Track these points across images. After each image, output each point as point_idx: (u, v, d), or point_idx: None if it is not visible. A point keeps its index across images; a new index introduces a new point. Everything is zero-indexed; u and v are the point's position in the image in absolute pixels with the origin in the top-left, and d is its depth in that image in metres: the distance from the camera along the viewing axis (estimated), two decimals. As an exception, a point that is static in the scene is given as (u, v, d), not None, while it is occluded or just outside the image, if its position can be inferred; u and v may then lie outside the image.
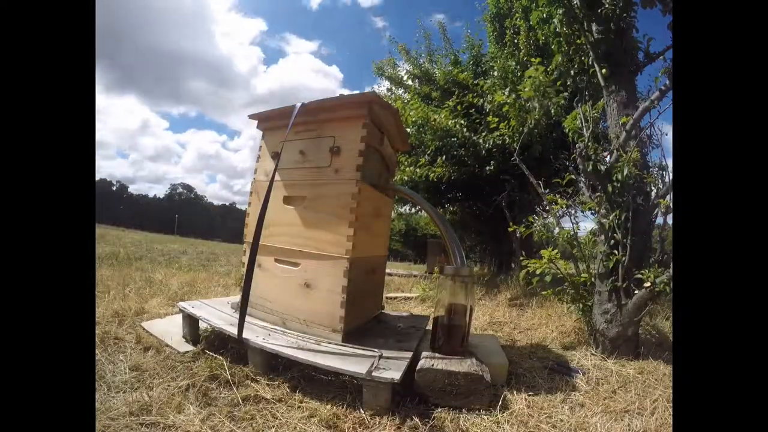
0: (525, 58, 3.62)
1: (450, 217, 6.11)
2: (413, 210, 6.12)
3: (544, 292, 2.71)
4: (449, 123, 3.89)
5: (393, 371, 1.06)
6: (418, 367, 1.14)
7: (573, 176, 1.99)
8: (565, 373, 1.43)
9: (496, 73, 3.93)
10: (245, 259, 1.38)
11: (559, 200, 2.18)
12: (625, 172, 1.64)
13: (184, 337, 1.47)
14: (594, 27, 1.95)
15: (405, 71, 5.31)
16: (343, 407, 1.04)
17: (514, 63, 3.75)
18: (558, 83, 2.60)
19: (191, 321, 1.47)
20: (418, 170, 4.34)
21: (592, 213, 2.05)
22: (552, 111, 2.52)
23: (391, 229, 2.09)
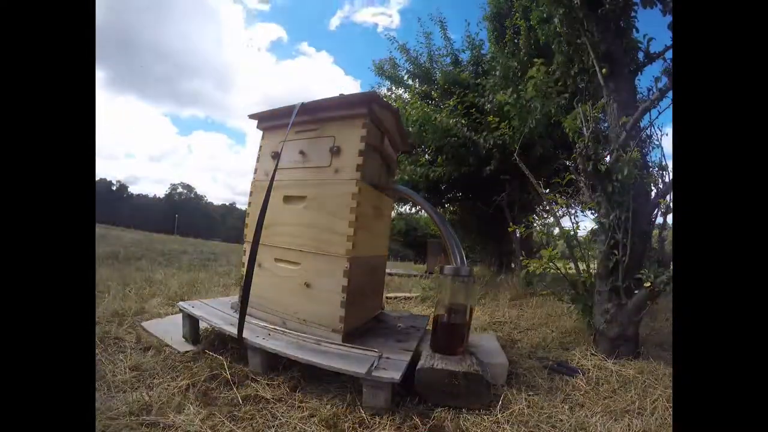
0: (525, 58, 3.62)
1: (450, 217, 6.12)
2: (413, 210, 6.13)
3: (543, 292, 2.71)
4: (450, 122, 3.89)
5: (393, 371, 1.07)
6: (418, 366, 1.14)
7: (573, 176, 1.99)
8: (565, 373, 1.43)
9: (498, 73, 3.93)
10: (245, 259, 1.38)
11: (559, 200, 2.18)
12: (625, 172, 1.64)
13: (184, 337, 1.47)
14: (594, 27, 1.95)
15: (405, 71, 5.31)
16: (343, 407, 1.04)
17: (516, 63, 3.75)
18: (559, 83, 2.60)
19: (191, 321, 1.47)
20: (418, 170, 4.35)
21: (592, 213, 2.05)
22: (552, 111, 2.52)
23: (391, 229, 2.09)
